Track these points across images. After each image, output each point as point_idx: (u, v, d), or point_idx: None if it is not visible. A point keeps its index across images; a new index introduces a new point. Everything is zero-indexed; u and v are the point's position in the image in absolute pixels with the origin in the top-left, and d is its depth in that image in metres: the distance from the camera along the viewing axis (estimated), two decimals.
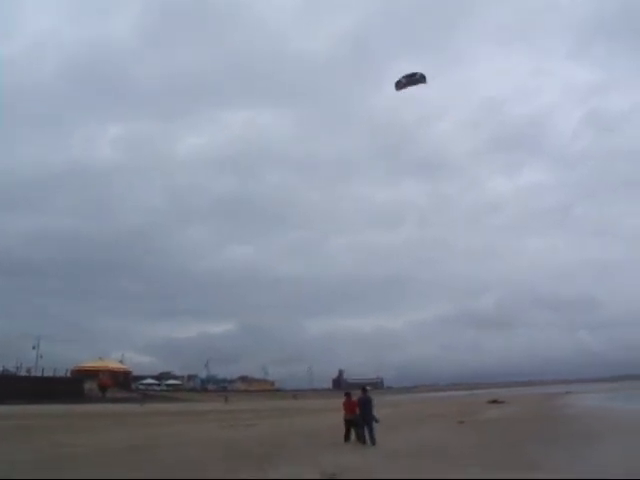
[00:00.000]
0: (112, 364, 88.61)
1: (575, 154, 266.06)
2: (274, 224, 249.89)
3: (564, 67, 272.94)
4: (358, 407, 16.65)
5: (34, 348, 78.30)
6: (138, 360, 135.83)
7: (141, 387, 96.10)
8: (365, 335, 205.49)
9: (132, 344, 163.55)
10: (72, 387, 63.29)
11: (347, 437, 16.81)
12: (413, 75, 18.46)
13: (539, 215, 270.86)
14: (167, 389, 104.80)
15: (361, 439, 16.19)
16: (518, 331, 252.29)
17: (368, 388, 18.23)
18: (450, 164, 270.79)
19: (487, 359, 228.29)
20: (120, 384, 79.57)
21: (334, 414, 35.47)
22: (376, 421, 16.47)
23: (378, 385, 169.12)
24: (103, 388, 68.15)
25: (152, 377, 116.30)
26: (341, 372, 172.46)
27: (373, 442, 15.95)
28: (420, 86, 18.40)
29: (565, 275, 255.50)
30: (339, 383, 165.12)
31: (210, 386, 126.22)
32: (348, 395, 17.65)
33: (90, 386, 67.26)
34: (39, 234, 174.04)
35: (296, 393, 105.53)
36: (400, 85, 18.66)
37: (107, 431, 22.65)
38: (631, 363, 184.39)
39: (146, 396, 72.51)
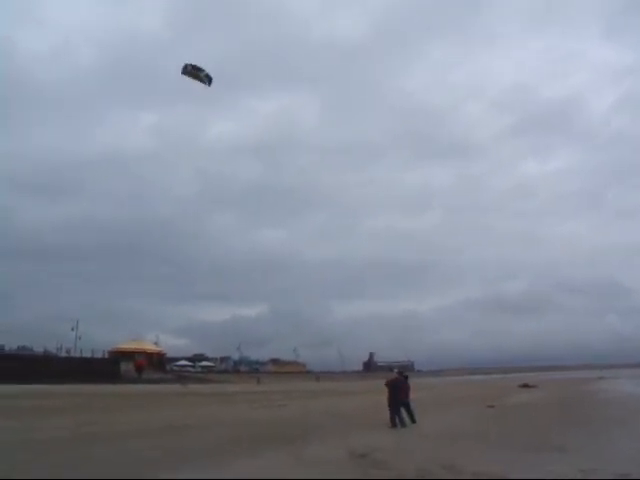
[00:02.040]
0: (147, 346, 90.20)
1: (607, 137, 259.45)
2: (303, 209, 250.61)
3: (597, 48, 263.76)
4: (389, 389, 16.79)
5: (73, 330, 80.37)
6: (172, 342, 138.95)
7: (175, 368, 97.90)
8: (394, 319, 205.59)
9: (166, 327, 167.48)
10: (109, 368, 64.77)
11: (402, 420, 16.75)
12: (199, 70, 17.46)
13: (569, 199, 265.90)
14: (201, 370, 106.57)
15: (393, 421, 16.31)
16: (548, 316, 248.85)
17: (395, 371, 18.36)
18: (479, 148, 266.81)
19: (517, 343, 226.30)
20: (155, 365, 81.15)
21: (364, 396, 35.81)
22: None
23: (408, 368, 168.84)
24: (139, 369, 69.58)
25: (186, 359, 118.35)
26: (372, 355, 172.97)
27: (402, 423, 16.18)
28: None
29: (596, 259, 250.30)
30: (369, 366, 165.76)
31: (242, 368, 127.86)
32: (402, 376, 17.94)
33: (126, 367, 68.74)
34: (75, 220, 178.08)
35: (319, 375, 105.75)
36: (186, 71, 17.49)
37: (145, 411, 23.24)
38: None
39: (180, 377, 73.79)
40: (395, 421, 16.25)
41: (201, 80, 17.55)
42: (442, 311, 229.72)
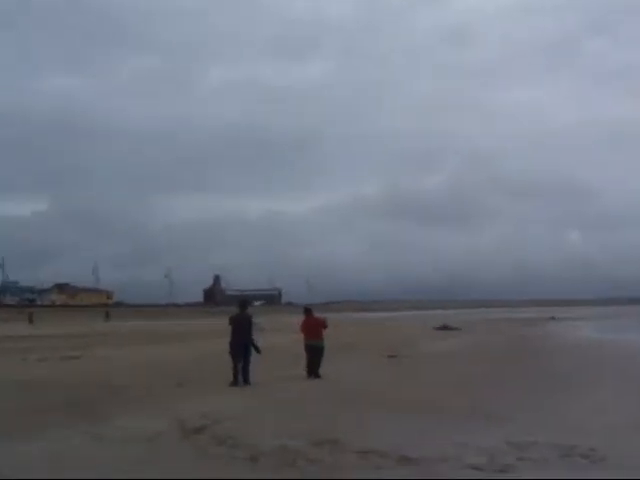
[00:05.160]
0: None
1: None
2: (113, 45, 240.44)
3: None
4: (233, 329, 17.85)
5: None
6: None
7: None
8: (255, 224, 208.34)
9: None
10: None
11: (310, 370, 18.75)
12: None
13: (527, 50, 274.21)
14: None
15: (236, 376, 17.31)
16: (482, 229, 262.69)
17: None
18: None
19: (436, 267, 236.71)
20: None
21: (203, 342, 36.53)
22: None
23: (274, 299, 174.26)
24: None
25: None
26: (217, 279, 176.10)
27: (246, 380, 17.27)
28: None
29: (554, 147, 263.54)
30: (213, 295, 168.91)
31: (8, 298, 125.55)
32: (309, 312, 19.75)
33: None
34: None
35: (109, 310, 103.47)
36: None
37: None
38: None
39: None
40: (238, 376, 17.29)
41: None
42: (326, 215, 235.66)
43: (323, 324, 19.55)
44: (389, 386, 17.81)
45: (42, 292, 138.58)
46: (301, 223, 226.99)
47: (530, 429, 11.20)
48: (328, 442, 10.02)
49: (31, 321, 72.82)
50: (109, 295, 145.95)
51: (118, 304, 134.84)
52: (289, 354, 23.55)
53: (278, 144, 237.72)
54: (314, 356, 18.98)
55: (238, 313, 18.45)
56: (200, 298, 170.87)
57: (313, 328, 19.27)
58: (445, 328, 53.45)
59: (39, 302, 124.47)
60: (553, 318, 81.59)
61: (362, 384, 18.16)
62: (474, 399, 15.07)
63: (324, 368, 18.94)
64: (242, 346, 17.51)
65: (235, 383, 17.15)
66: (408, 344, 35.21)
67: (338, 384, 18.03)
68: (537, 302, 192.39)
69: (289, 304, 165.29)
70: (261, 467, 8.73)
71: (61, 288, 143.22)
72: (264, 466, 8.77)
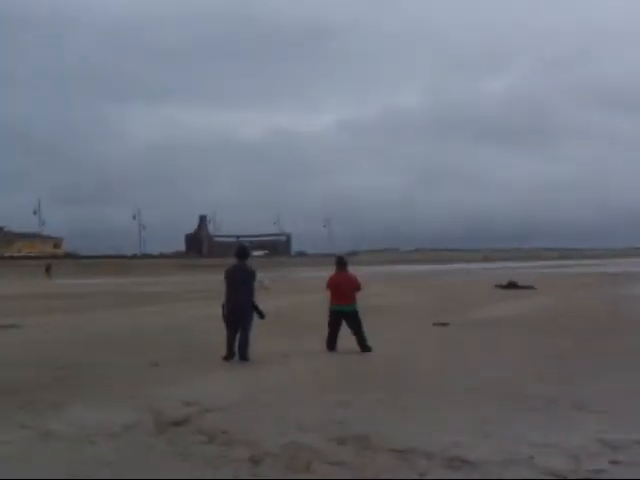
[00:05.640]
0: None
1: None
2: None
3: None
4: (228, 286, 17.99)
5: None
6: None
7: None
8: (255, 147, 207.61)
9: None
10: None
11: (331, 343, 19.18)
12: None
13: None
14: None
15: (230, 345, 17.64)
16: (563, 154, 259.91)
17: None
18: None
19: (503, 205, 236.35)
20: None
21: (185, 306, 36.70)
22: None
23: (280, 248, 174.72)
24: None
25: None
26: (203, 222, 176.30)
27: (244, 355, 17.51)
28: None
29: None
30: (198, 242, 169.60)
31: None
32: (342, 266, 19.82)
33: None
34: None
35: (50, 263, 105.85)
36: None
37: None
38: None
39: None
40: (232, 347, 17.58)
41: None
42: (351, 135, 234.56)
43: (356, 284, 19.58)
44: (436, 364, 17.85)
45: None
46: (318, 146, 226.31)
47: (628, 424, 11.24)
48: (354, 438, 10.07)
49: None
50: (57, 243, 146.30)
51: (69, 255, 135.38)
52: (301, 321, 23.71)
53: (287, 38, 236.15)
54: (351, 325, 19.12)
55: (236, 265, 18.43)
56: (181, 247, 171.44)
57: (345, 287, 19.29)
58: (513, 286, 53.34)
59: None
60: None
61: (399, 361, 18.24)
62: (553, 383, 15.09)
63: (347, 340, 19.05)
64: (240, 309, 17.65)
65: (229, 357, 17.40)
66: (462, 308, 35.37)
67: (367, 361, 18.18)
68: None
69: (301, 254, 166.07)
70: (265, 471, 8.72)
71: None
72: (269, 470, 8.76)
